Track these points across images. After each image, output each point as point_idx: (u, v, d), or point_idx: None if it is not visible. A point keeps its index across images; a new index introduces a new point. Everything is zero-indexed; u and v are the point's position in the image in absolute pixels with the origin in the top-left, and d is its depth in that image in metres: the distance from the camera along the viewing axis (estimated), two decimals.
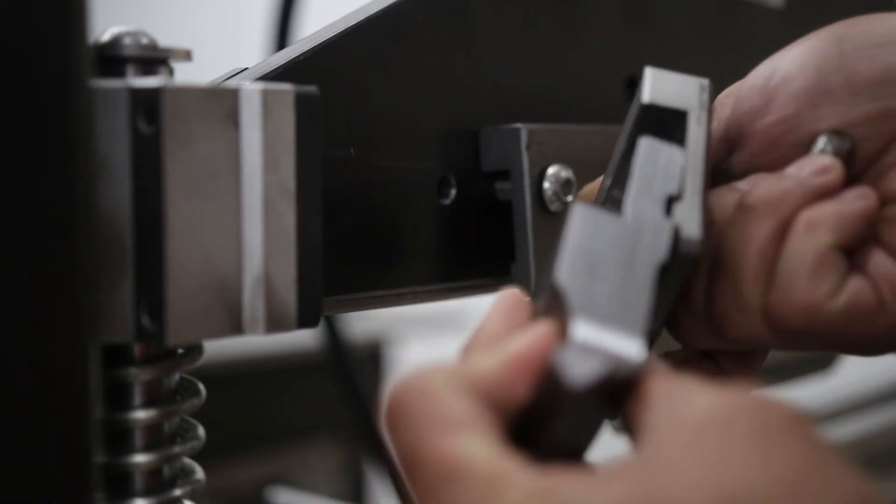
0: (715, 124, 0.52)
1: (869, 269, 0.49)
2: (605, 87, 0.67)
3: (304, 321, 0.49)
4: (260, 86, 0.47)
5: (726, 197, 0.50)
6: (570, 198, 0.59)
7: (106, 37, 0.47)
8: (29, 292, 0.39)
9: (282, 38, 1.16)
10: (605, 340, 0.40)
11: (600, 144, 0.62)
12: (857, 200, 0.49)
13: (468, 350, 0.43)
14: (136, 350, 0.49)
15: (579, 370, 0.39)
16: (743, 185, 0.51)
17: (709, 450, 0.37)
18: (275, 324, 0.48)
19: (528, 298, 0.45)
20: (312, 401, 1.79)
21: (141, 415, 0.49)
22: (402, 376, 0.41)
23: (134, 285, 0.46)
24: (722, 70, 0.74)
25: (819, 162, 0.49)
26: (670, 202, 0.47)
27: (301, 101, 0.48)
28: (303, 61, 0.53)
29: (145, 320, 0.46)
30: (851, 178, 0.50)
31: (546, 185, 0.58)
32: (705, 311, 0.50)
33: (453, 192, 0.59)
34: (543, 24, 0.63)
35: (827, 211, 0.49)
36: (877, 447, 1.45)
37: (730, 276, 0.49)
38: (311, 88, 0.49)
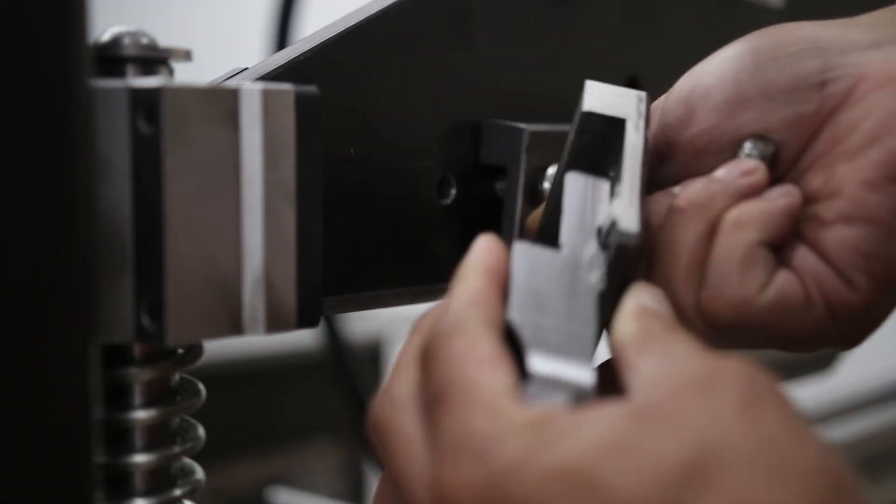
0: None
1: (795, 264, 0.52)
2: None
3: (304, 321, 0.49)
4: (260, 86, 0.47)
5: (660, 201, 0.53)
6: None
7: (106, 37, 0.47)
8: (29, 292, 0.39)
9: (282, 38, 1.16)
10: (558, 371, 0.44)
11: None
12: (782, 198, 0.52)
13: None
14: (136, 350, 0.49)
15: (541, 401, 0.42)
16: (677, 190, 0.53)
17: (696, 405, 0.39)
18: (275, 324, 0.48)
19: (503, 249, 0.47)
20: (312, 401, 1.79)
21: (141, 415, 0.49)
22: (434, 313, 0.46)
23: (134, 285, 0.46)
24: None
25: (744, 165, 0.52)
26: (601, 233, 0.49)
27: (301, 101, 0.48)
28: (303, 61, 0.53)
29: (145, 320, 0.46)
30: (776, 179, 0.52)
31: (546, 184, 0.59)
32: None
33: (453, 191, 0.59)
34: (543, 24, 0.63)
35: (753, 209, 0.51)
36: (876, 447, 1.46)
37: (664, 277, 0.51)
38: (311, 88, 0.49)
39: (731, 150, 0.52)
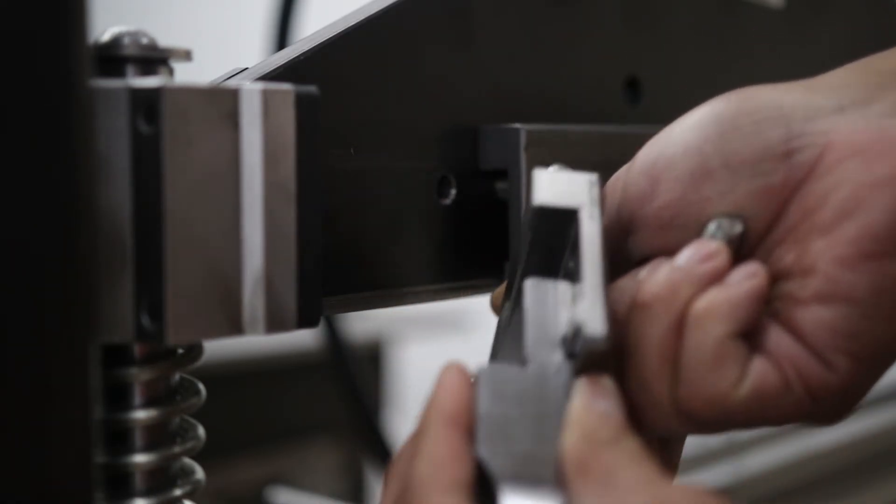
0: (608, 210, 0.52)
1: (770, 348, 0.50)
2: (605, 87, 0.67)
3: (304, 321, 0.49)
4: (260, 86, 0.47)
5: (625, 289, 0.51)
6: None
7: (106, 37, 0.47)
8: (29, 292, 0.39)
9: (282, 38, 1.16)
10: (527, 502, 0.43)
11: (600, 144, 0.62)
12: (746, 281, 0.50)
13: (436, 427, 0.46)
14: (136, 350, 0.49)
15: None
16: (643, 273, 0.51)
17: None
18: (275, 324, 0.48)
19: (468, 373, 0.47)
20: (312, 401, 1.79)
21: (141, 415, 0.49)
22: (404, 461, 0.46)
23: (134, 285, 0.46)
24: (722, 70, 0.75)
25: (705, 249, 0.50)
26: (565, 341, 0.48)
27: (301, 101, 0.48)
28: (303, 61, 0.53)
29: (145, 320, 0.46)
30: (746, 255, 0.51)
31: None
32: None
33: (453, 192, 0.59)
34: (543, 24, 0.63)
35: (718, 300, 0.49)
36: (877, 447, 1.46)
37: (636, 374, 0.50)
38: (311, 88, 0.49)
39: (696, 225, 0.51)
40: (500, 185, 0.60)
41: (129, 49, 0.47)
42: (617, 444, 0.43)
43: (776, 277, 0.50)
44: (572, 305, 0.49)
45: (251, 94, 0.47)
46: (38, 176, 0.39)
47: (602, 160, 0.62)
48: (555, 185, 0.51)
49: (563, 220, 0.51)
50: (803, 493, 1.33)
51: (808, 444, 1.37)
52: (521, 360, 0.48)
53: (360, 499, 1.87)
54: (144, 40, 0.47)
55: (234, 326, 0.47)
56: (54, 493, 0.40)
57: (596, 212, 0.51)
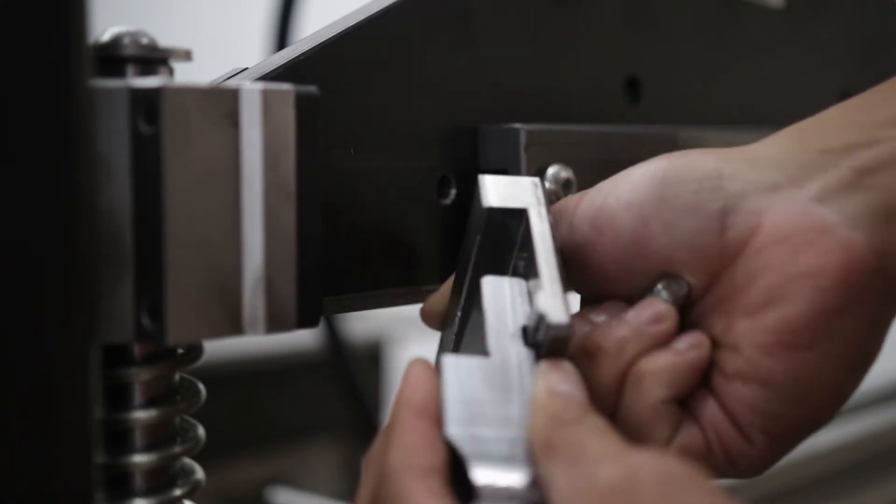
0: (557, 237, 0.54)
1: (699, 414, 0.53)
2: (605, 87, 0.67)
3: (304, 321, 0.49)
4: (260, 86, 0.47)
5: (577, 328, 0.52)
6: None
7: (106, 37, 0.47)
8: (29, 292, 0.39)
9: (282, 38, 1.16)
10: (502, 481, 0.45)
11: (600, 144, 0.62)
12: (690, 351, 0.52)
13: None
14: (136, 350, 0.49)
15: None
16: (595, 316, 0.53)
17: None
18: (275, 324, 0.48)
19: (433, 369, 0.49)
20: (312, 401, 1.79)
21: (141, 415, 0.49)
22: (377, 455, 0.47)
23: (134, 285, 0.46)
24: (722, 70, 0.75)
25: (655, 308, 0.52)
26: (526, 332, 0.49)
27: (301, 101, 0.48)
28: (303, 61, 0.53)
29: (145, 320, 0.46)
30: (683, 315, 0.53)
31: (546, 185, 0.59)
32: None
33: (453, 192, 0.59)
34: (543, 24, 0.63)
35: (660, 364, 0.52)
36: (877, 447, 1.45)
37: None
38: (311, 88, 0.49)
39: (642, 278, 0.52)
40: None
41: (129, 49, 0.47)
42: (581, 421, 0.44)
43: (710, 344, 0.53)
44: (528, 300, 0.51)
45: (251, 94, 0.47)
46: (38, 176, 0.39)
47: (602, 160, 0.62)
48: (501, 189, 0.54)
49: (511, 221, 0.53)
50: (803, 493, 1.33)
51: (808, 444, 1.36)
52: (483, 353, 0.49)
53: None
54: (144, 40, 0.47)
55: (234, 326, 0.47)
56: (54, 493, 0.40)
57: (543, 211, 0.53)
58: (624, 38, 0.67)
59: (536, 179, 0.54)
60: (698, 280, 0.52)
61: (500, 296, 0.51)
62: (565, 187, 0.59)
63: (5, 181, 0.38)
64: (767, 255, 0.51)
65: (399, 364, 2.03)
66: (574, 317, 0.53)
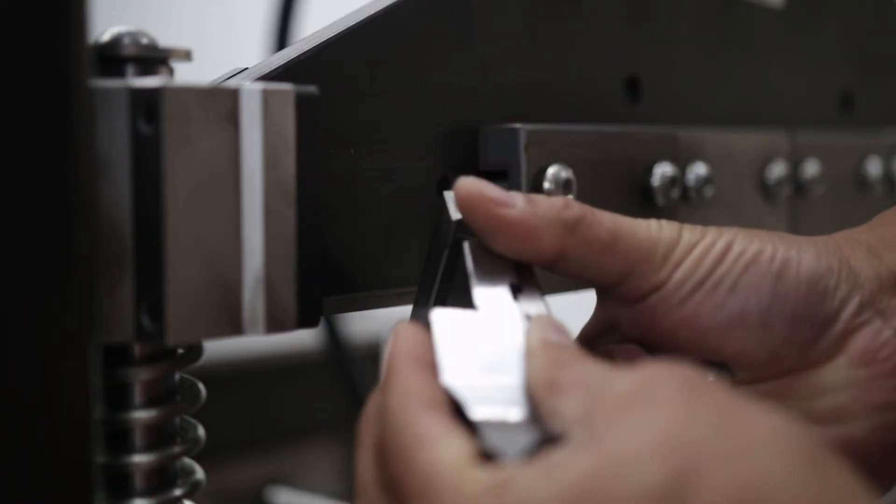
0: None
1: None
2: (605, 87, 0.67)
3: (304, 321, 0.49)
4: (260, 86, 0.47)
5: (596, 374, 0.52)
6: (570, 198, 0.59)
7: (106, 37, 0.47)
8: (29, 292, 0.39)
9: (282, 38, 1.16)
10: (501, 416, 0.44)
11: (600, 144, 0.62)
12: None
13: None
14: (136, 350, 0.49)
15: (499, 448, 0.42)
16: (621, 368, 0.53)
17: (641, 414, 0.38)
18: (275, 324, 0.48)
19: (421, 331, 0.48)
20: (312, 401, 1.79)
21: (141, 415, 0.49)
22: (376, 405, 0.45)
23: (134, 285, 0.46)
24: (722, 70, 0.75)
25: None
26: (513, 289, 0.50)
27: (301, 101, 0.48)
28: (303, 61, 0.53)
29: (145, 320, 0.46)
30: None
31: (546, 185, 0.58)
32: None
33: None
34: (543, 24, 0.63)
35: None
36: None
37: None
38: (311, 88, 0.49)
39: (696, 348, 0.52)
40: (501, 185, 0.60)
41: (129, 49, 0.47)
42: (580, 360, 0.43)
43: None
44: (516, 301, 0.51)
45: (251, 94, 0.47)
46: (38, 176, 0.39)
47: (602, 160, 0.62)
48: None
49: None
50: None
51: None
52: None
53: None
54: (144, 40, 0.47)
55: (234, 326, 0.47)
56: (54, 493, 0.40)
57: None
58: (624, 38, 0.67)
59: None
60: (753, 380, 0.52)
61: (482, 259, 0.51)
62: (565, 187, 0.59)
63: (5, 181, 0.38)
64: (846, 374, 0.51)
65: None
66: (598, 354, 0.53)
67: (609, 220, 0.51)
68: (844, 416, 0.50)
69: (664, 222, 0.52)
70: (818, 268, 0.51)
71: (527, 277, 0.52)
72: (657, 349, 0.53)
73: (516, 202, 0.50)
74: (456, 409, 0.44)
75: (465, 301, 0.52)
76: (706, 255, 0.51)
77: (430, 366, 0.45)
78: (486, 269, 0.51)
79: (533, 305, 0.50)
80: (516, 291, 0.50)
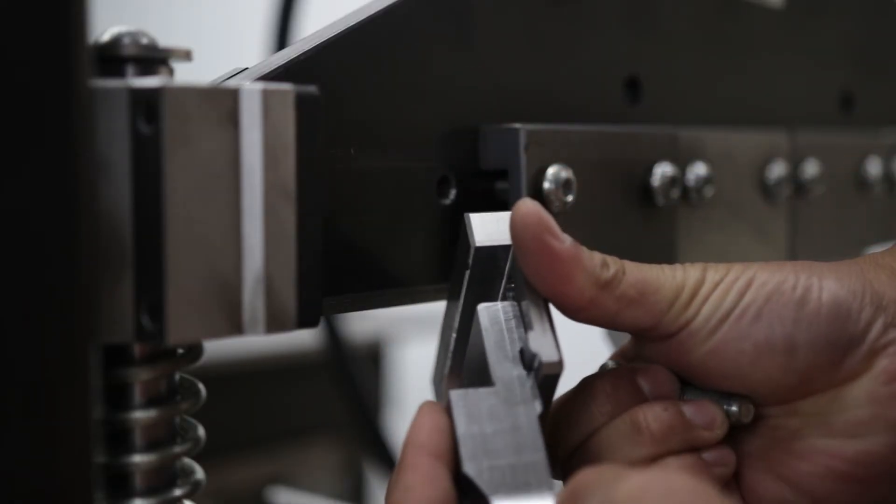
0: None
1: None
2: (605, 87, 0.67)
3: (304, 321, 0.49)
4: (260, 86, 0.47)
5: (625, 389, 0.54)
6: (570, 198, 0.59)
7: (106, 37, 0.47)
8: (29, 292, 0.39)
9: (282, 38, 1.16)
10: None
11: (600, 144, 0.62)
12: (716, 467, 0.53)
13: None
14: (136, 350, 0.49)
15: None
16: (643, 380, 0.54)
17: None
18: (275, 324, 0.48)
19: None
20: (312, 401, 1.79)
21: (141, 415, 0.49)
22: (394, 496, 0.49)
23: (134, 285, 0.46)
24: (722, 70, 0.75)
25: (712, 415, 0.53)
26: (524, 355, 0.52)
27: (301, 101, 0.48)
28: (303, 61, 0.53)
29: (145, 320, 0.46)
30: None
31: (546, 185, 0.58)
32: None
33: (453, 192, 0.59)
34: (543, 24, 0.63)
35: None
36: None
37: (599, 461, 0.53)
38: (311, 88, 0.49)
39: (718, 381, 0.53)
40: (500, 185, 0.60)
41: (129, 49, 0.47)
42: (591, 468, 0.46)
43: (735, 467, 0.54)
44: (521, 322, 0.53)
45: (251, 94, 0.47)
46: (38, 176, 0.39)
47: (602, 160, 0.62)
48: (487, 227, 0.56)
49: (499, 255, 0.55)
50: None
51: None
52: (484, 377, 0.52)
53: (360, 499, 1.87)
54: (144, 40, 0.47)
55: (234, 326, 0.47)
56: (54, 493, 0.40)
57: None
58: (624, 38, 0.67)
59: None
60: (779, 408, 0.53)
61: (496, 322, 0.53)
62: (565, 187, 0.59)
63: (5, 181, 0.38)
64: (868, 391, 0.51)
65: (399, 364, 2.03)
66: (618, 372, 0.55)
67: (636, 276, 0.53)
68: (864, 432, 0.51)
69: (688, 265, 0.54)
70: (840, 292, 0.52)
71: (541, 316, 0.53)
72: (687, 378, 0.54)
73: (566, 239, 0.52)
74: (478, 496, 0.47)
75: (489, 296, 0.55)
76: (730, 288, 0.53)
77: (437, 454, 0.48)
78: (501, 333, 0.53)
79: (541, 347, 0.51)
80: (533, 359, 0.52)
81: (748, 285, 0.52)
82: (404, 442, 0.50)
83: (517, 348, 0.52)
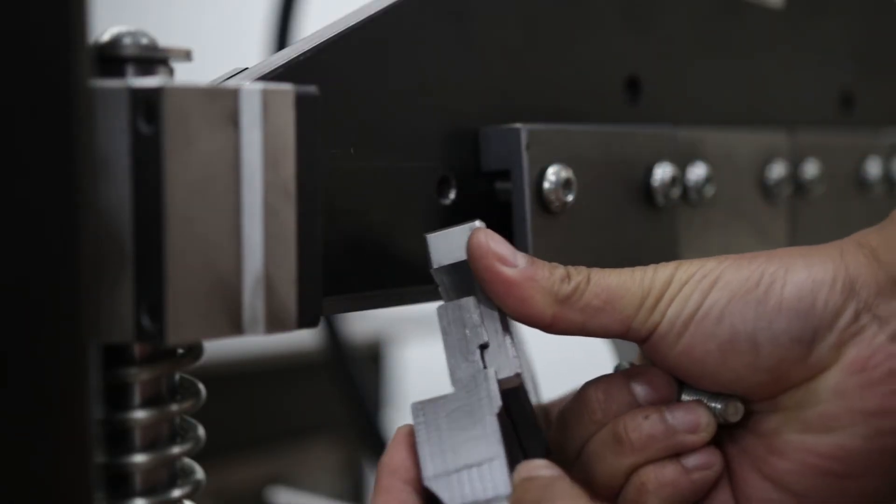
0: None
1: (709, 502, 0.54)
2: (605, 87, 0.67)
3: (304, 321, 0.49)
4: (260, 86, 0.47)
5: (618, 399, 0.54)
6: (570, 197, 0.59)
7: (106, 37, 0.47)
8: (29, 292, 0.39)
9: (282, 38, 1.16)
10: None
11: (601, 144, 0.62)
12: (698, 472, 0.53)
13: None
14: (136, 350, 0.49)
15: None
16: (636, 384, 0.55)
17: None
18: (275, 324, 0.48)
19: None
20: (312, 401, 1.79)
21: (141, 415, 0.49)
22: None
23: (134, 285, 0.46)
24: (722, 70, 0.75)
25: (696, 418, 0.53)
26: (483, 350, 0.53)
27: (301, 101, 0.48)
28: (303, 61, 0.53)
29: (145, 320, 0.46)
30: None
31: (546, 184, 0.58)
32: None
33: (453, 192, 0.59)
34: (543, 24, 0.63)
35: (665, 478, 0.53)
36: None
37: (587, 477, 0.54)
38: (311, 88, 0.49)
39: (703, 380, 0.53)
40: (501, 186, 0.60)
41: (129, 49, 0.47)
42: (558, 497, 0.48)
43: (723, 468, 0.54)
44: (492, 316, 0.53)
45: (251, 94, 0.47)
46: (38, 176, 0.39)
47: (602, 160, 0.62)
48: (440, 247, 0.55)
49: (462, 268, 0.55)
50: None
51: None
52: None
53: (360, 499, 1.87)
54: (144, 40, 0.47)
55: (234, 326, 0.47)
56: (54, 493, 0.40)
57: None
58: (624, 38, 0.67)
59: (475, 224, 0.55)
60: (762, 404, 0.53)
61: (456, 321, 0.54)
62: (565, 187, 0.59)
63: (5, 181, 0.38)
64: (835, 383, 0.51)
65: (399, 364, 2.03)
66: (615, 377, 0.55)
67: (601, 284, 0.53)
68: (836, 426, 0.51)
69: (661, 265, 0.54)
70: (806, 283, 0.52)
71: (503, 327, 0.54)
72: (679, 378, 0.55)
73: (517, 263, 0.53)
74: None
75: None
76: (695, 288, 0.53)
77: (405, 478, 0.50)
78: (459, 332, 0.54)
79: (499, 365, 0.52)
80: (484, 349, 0.53)
81: (712, 285, 0.52)
82: (378, 464, 0.51)
83: (478, 344, 0.53)
